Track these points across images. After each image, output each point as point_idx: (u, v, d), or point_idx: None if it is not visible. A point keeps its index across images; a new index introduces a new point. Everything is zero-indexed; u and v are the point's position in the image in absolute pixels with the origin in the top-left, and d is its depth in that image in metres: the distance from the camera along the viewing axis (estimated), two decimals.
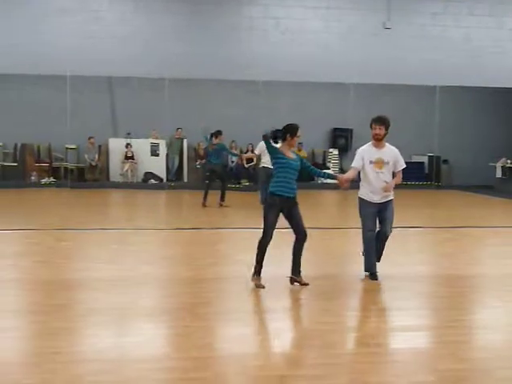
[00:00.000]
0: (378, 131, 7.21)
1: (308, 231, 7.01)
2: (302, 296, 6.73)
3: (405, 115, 20.08)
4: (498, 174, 19.64)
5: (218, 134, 14.62)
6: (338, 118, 20.09)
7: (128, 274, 7.36)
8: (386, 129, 7.23)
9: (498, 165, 19.65)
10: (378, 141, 7.24)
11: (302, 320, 5.93)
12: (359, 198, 7.37)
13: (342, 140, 20.59)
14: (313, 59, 19.41)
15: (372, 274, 7.23)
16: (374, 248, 7.25)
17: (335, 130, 20.71)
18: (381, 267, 7.73)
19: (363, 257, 7.34)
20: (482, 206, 16.23)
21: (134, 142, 18.91)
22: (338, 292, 6.87)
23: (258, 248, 6.85)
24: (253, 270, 6.83)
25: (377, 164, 7.20)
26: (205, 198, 14.41)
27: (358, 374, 4.56)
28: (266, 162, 13.81)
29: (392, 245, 9.59)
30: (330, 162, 20.36)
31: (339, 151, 20.44)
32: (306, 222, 12.08)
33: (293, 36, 19.70)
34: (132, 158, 18.92)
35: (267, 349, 5.09)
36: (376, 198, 7.20)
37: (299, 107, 20.12)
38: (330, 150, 20.46)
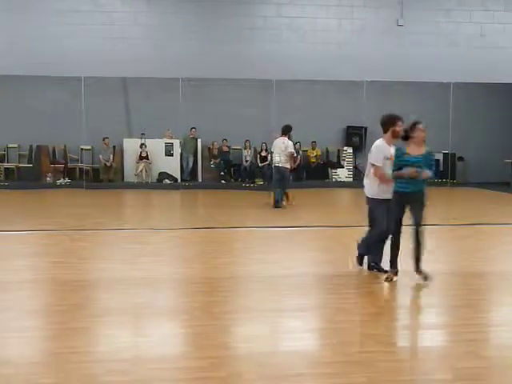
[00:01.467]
0: (401, 128, 7.12)
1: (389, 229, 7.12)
2: (318, 295, 6.72)
3: (419, 112, 19.89)
4: None
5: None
6: (351, 115, 20.03)
7: (144, 274, 7.39)
8: None
9: None
10: (397, 138, 7.20)
11: (318, 319, 5.91)
12: (373, 198, 7.33)
13: (356, 138, 20.51)
14: (326, 57, 19.38)
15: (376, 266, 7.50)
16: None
17: (349, 127, 20.65)
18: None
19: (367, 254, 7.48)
20: (499, 202, 16.10)
21: (148, 142, 18.97)
22: (353, 290, 6.85)
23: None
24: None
25: (390, 161, 7.19)
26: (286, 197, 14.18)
27: (375, 373, 4.54)
28: (278, 161, 13.80)
29: (408, 242, 9.57)
30: (344, 160, 20.31)
31: (353, 149, 20.38)
32: (319, 220, 12.10)
33: (306, 34, 19.67)
34: (146, 158, 18.98)
35: (283, 347, 5.08)
36: (387, 196, 7.16)
37: (313, 105, 20.11)
38: (345, 148, 20.40)
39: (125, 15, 19.10)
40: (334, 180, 19.99)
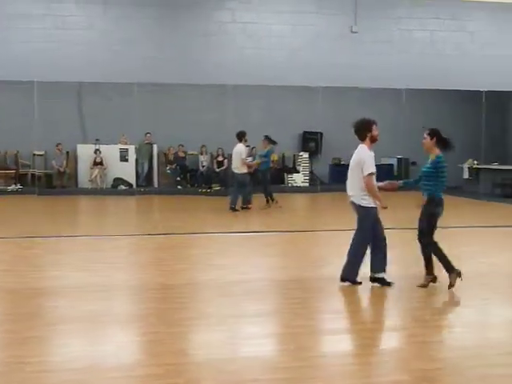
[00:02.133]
0: (376, 131, 7.00)
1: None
2: (275, 300, 6.73)
3: (373, 118, 20.26)
4: (465, 174, 19.89)
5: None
6: (307, 121, 20.19)
7: (98, 281, 7.27)
8: None
9: (465, 166, 19.91)
10: (375, 142, 7.04)
11: (276, 324, 5.92)
12: (369, 207, 6.94)
13: (312, 143, 20.68)
14: (281, 63, 19.48)
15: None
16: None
17: (305, 133, 20.81)
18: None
19: (353, 265, 6.95)
20: (451, 206, 16.27)
21: (102, 147, 18.74)
22: (311, 295, 6.88)
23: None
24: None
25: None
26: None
27: (332, 377, 4.57)
28: (234, 167, 14.18)
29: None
30: (300, 165, 20.43)
31: (309, 154, 20.53)
32: (276, 226, 12.13)
33: (261, 40, 19.74)
34: (101, 163, 18.74)
35: (241, 353, 5.06)
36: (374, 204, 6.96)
37: (269, 111, 20.20)
38: (301, 153, 20.53)
39: (79, 19, 18.83)
40: (289, 185, 20.09)
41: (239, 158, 14.04)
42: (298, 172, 20.31)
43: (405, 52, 20.30)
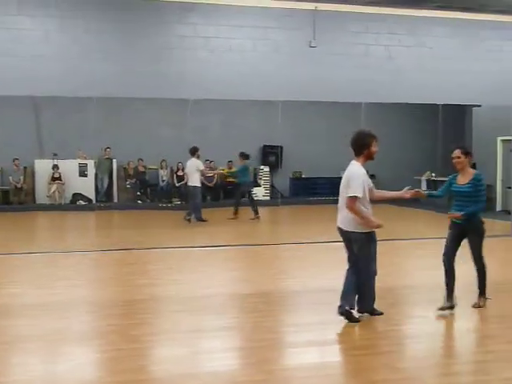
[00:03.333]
0: (376, 147, 6.20)
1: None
2: (236, 314, 6.72)
3: (332, 132, 20.50)
4: (423, 186, 20.23)
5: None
6: (267, 135, 20.32)
7: (57, 299, 7.15)
8: None
9: (423, 178, 20.27)
10: (372, 160, 6.31)
11: (237, 338, 5.90)
12: (361, 233, 6.18)
13: (273, 157, 20.80)
14: (241, 77, 19.49)
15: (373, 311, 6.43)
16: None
17: (265, 146, 20.91)
18: (307, 281, 7.89)
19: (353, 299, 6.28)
20: (408, 218, 16.68)
21: (61, 162, 18.50)
22: (273, 308, 6.90)
23: None
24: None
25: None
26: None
27: None
28: (194, 180, 14.63)
29: (319, 259, 9.78)
30: (261, 178, 20.50)
31: (270, 168, 20.64)
32: (237, 239, 12.13)
33: (221, 55, 19.78)
34: (59, 179, 18.48)
35: (203, 368, 5.03)
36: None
37: (229, 125, 20.27)
38: (261, 166, 20.61)
39: (36, 33, 18.52)
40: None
41: (193, 171, 14.66)
42: (259, 186, 20.38)
43: (362, 66, 20.58)
